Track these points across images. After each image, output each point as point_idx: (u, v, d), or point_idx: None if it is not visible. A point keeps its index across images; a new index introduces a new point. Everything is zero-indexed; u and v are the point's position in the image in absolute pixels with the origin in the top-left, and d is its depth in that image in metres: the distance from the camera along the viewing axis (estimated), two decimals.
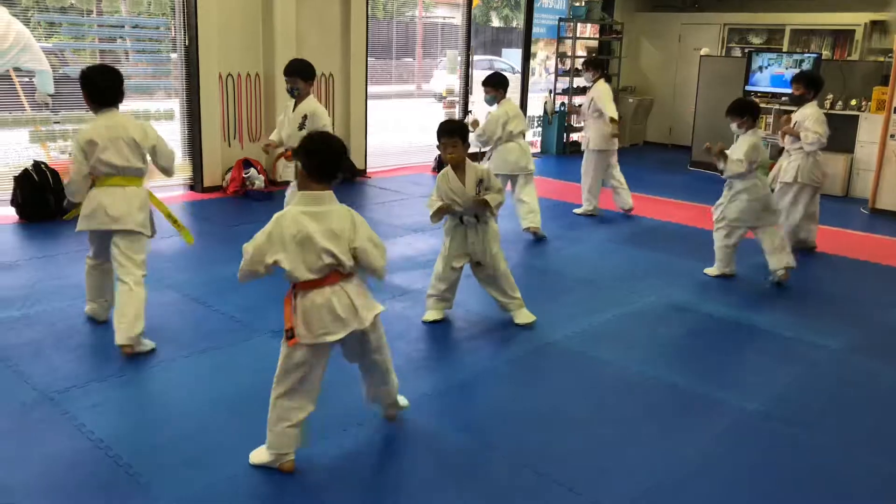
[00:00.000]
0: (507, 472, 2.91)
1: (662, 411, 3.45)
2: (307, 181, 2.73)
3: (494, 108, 6.14)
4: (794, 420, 3.41)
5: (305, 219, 2.66)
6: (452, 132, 3.97)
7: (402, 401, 3.23)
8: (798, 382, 3.81)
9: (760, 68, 9.18)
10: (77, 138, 3.84)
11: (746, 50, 10.40)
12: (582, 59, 7.51)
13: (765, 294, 5.13)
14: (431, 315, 4.36)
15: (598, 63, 7.36)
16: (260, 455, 2.87)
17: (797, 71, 7.16)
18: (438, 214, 4.10)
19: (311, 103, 5.14)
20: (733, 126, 5.29)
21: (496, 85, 6.06)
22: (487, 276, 4.28)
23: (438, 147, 4.08)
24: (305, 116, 5.10)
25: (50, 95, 6.75)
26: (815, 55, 8.72)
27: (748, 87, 9.15)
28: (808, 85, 5.95)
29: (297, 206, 2.70)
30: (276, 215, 2.72)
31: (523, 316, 4.32)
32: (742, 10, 11.20)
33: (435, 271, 4.35)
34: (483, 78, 6.24)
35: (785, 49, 10.29)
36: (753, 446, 3.17)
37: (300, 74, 5.11)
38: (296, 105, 5.16)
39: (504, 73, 6.39)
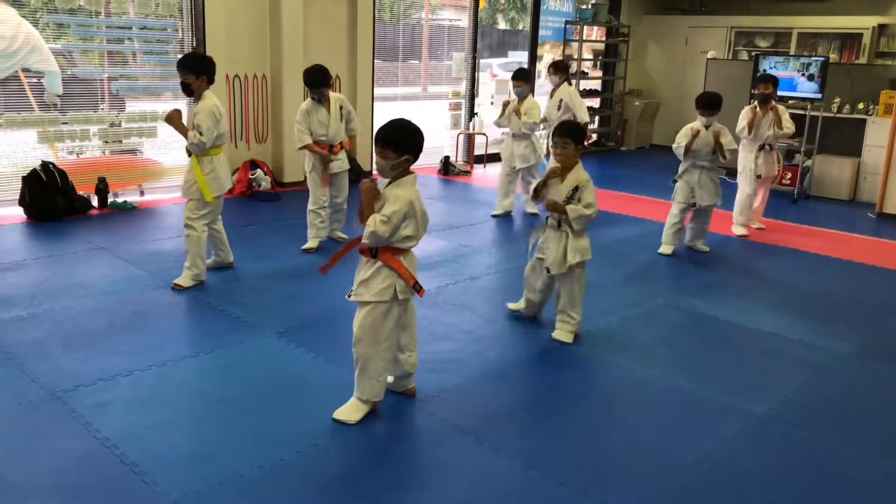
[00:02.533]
0: (515, 474, 2.90)
1: (670, 414, 3.44)
2: (407, 164, 3.09)
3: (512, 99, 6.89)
4: (803, 424, 3.39)
5: (419, 195, 3.11)
6: (564, 133, 4.02)
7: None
8: (806, 386, 3.79)
9: (766, 71, 9.14)
10: (216, 111, 4.63)
11: (753, 53, 10.38)
12: (551, 62, 7.83)
13: (772, 298, 5.11)
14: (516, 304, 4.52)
15: (565, 66, 7.54)
16: (353, 410, 3.20)
17: (806, 74, 7.25)
18: (536, 193, 4.16)
19: (336, 95, 5.66)
20: (710, 119, 5.74)
21: (527, 78, 6.83)
22: (555, 292, 4.22)
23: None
24: (342, 107, 5.66)
25: (58, 96, 6.77)
26: (822, 58, 8.69)
27: (755, 91, 9.11)
28: (775, 84, 6.75)
29: (414, 186, 3.10)
30: (405, 197, 3.01)
31: (564, 335, 4.17)
32: (749, 14, 11.18)
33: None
34: (513, 73, 6.95)
35: (792, 52, 10.27)
36: (762, 450, 3.16)
37: (326, 84, 5.50)
38: (326, 103, 5.57)
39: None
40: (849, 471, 3.04)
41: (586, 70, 11.69)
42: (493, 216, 7.08)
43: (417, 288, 3.15)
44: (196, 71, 4.68)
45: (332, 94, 5.62)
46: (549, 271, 4.15)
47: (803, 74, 8.54)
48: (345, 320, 3.63)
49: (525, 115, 6.72)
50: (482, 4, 10.25)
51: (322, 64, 5.59)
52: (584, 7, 11.44)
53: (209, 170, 4.72)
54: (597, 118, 12.05)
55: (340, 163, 5.75)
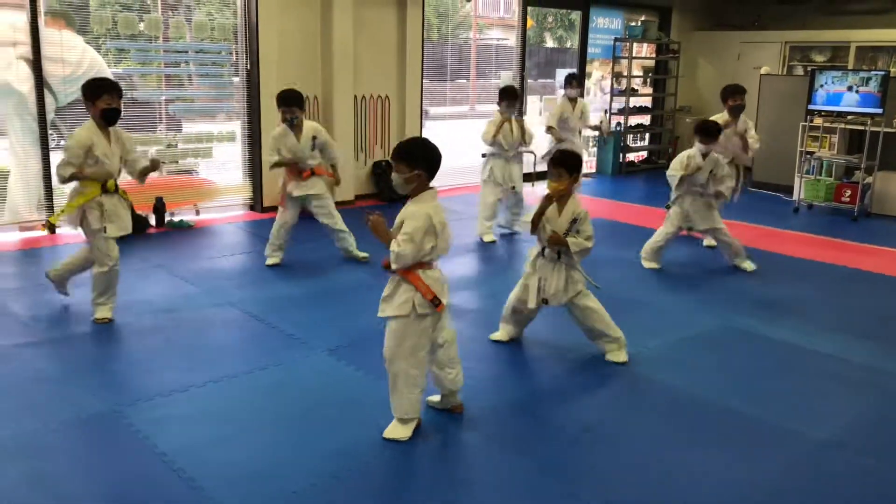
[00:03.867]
0: (563, 497, 2.85)
1: (726, 439, 3.34)
2: (425, 180, 3.16)
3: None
4: (869, 450, 3.26)
5: (440, 209, 3.16)
6: (557, 162, 3.93)
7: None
8: (871, 411, 3.64)
9: (823, 87, 8.94)
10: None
11: (809, 68, 10.14)
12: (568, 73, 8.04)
13: (831, 319, 4.94)
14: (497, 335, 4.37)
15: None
16: (398, 429, 3.20)
17: (866, 89, 7.04)
18: (534, 225, 4.00)
19: (311, 124, 5.74)
20: (709, 147, 5.67)
21: (516, 97, 6.84)
22: (582, 326, 4.16)
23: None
24: (315, 137, 5.66)
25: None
26: (882, 72, 8.44)
27: (811, 106, 8.91)
28: (743, 94, 6.43)
29: (433, 202, 3.15)
30: (422, 212, 3.06)
31: (617, 356, 4.11)
32: (805, 28, 10.94)
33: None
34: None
35: (850, 67, 10.00)
36: (826, 478, 3.04)
37: (298, 104, 5.57)
38: (298, 130, 5.61)
39: None
40: None
41: (636, 87, 11.59)
42: (489, 241, 6.69)
43: (436, 303, 3.14)
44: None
45: (308, 123, 5.68)
46: (546, 302, 4.05)
47: (863, 89, 8.31)
48: None
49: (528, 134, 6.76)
50: (530, 24, 10.28)
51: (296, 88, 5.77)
52: (633, 24, 11.37)
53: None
54: (647, 135, 11.93)
55: (309, 186, 5.72)
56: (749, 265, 5.89)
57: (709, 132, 5.66)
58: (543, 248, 4.03)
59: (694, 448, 3.26)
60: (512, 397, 3.67)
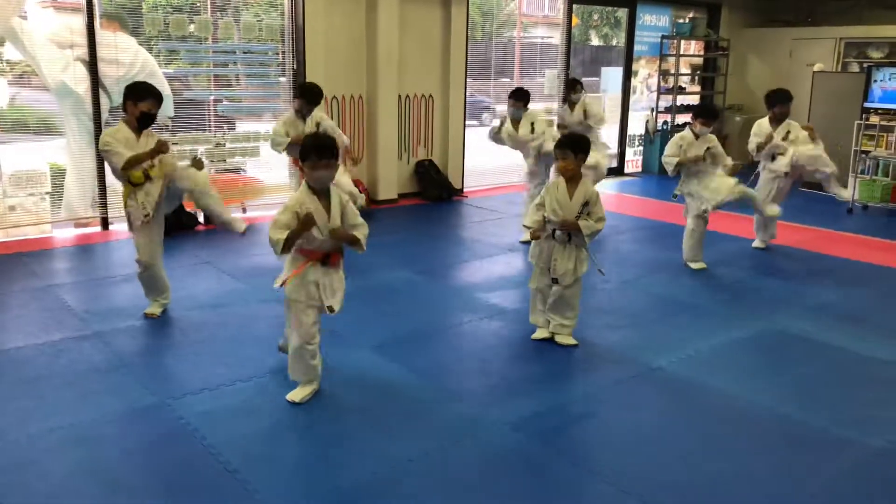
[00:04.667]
0: (611, 500, 2.82)
1: (778, 446, 3.26)
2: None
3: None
4: None
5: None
6: (563, 145, 4.03)
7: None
8: None
9: (880, 83, 8.65)
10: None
11: (865, 65, 9.83)
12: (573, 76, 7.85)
13: (889, 323, 4.78)
14: (539, 333, 4.36)
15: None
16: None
17: None
18: (536, 231, 4.10)
19: (316, 112, 5.91)
20: (707, 129, 5.66)
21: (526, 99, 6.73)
22: (556, 298, 4.20)
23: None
24: (318, 123, 5.88)
25: (170, 118, 7.18)
26: None
27: (867, 104, 8.64)
28: (790, 100, 6.36)
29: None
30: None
31: (566, 339, 4.25)
32: (860, 24, 10.61)
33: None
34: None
35: None
36: (880, 486, 2.94)
37: (313, 101, 5.82)
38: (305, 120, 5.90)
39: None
40: None
41: (684, 85, 11.39)
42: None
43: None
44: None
45: (314, 112, 5.89)
46: (556, 282, 4.14)
47: None
48: (437, 336, 3.65)
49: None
50: (574, 21, 10.18)
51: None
52: (681, 21, 11.17)
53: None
54: None
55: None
56: (760, 244, 6.15)
57: (709, 115, 5.69)
58: (554, 230, 4.07)
59: (745, 454, 3.18)
60: (553, 402, 3.64)
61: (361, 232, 3.42)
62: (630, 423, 3.44)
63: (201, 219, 7.04)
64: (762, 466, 3.08)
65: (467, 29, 8.72)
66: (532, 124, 6.49)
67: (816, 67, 9.99)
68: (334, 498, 2.79)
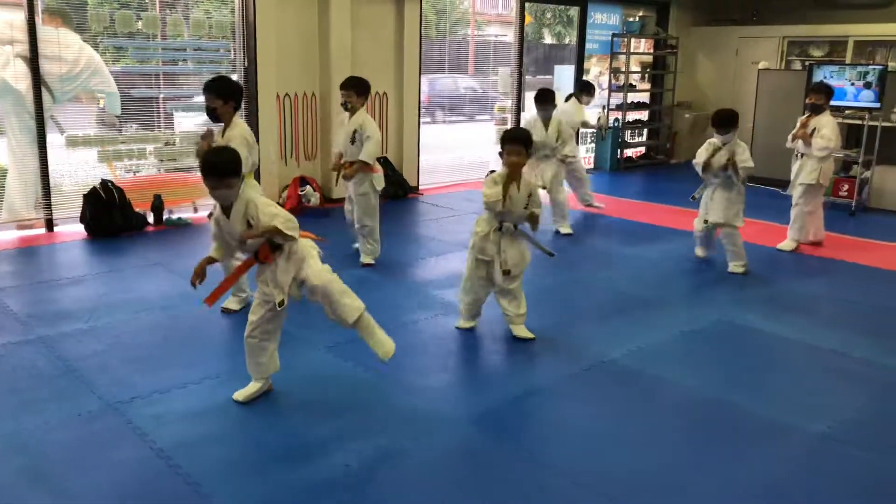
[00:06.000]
0: (566, 493, 2.86)
1: (725, 434, 3.35)
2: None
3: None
4: (866, 444, 3.26)
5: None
6: (516, 139, 4.05)
7: None
8: (870, 406, 3.65)
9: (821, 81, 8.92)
10: (249, 137, 4.44)
11: (807, 63, 10.14)
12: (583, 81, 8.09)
13: (831, 314, 4.95)
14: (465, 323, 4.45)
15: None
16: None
17: (864, 83, 7.04)
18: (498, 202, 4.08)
19: (360, 116, 5.45)
20: (727, 136, 5.54)
21: (552, 100, 6.91)
22: (508, 288, 4.24)
23: (501, 154, 4.12)
24: (356, 131, 5.42)
25: (117, 117, 7.01)
26: (880, 67, 8.43)
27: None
28: (827, 94, 6.40)
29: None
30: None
31: (524, 331, 4.30)
32: (803, 23, 10.94)
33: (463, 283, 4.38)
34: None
35: (848, 61, 9.99)
36: (824, 472, 3.05)
37: (355, 88, 5.44)
38: (349, 119, 5.47)
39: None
40: None
41: (634, 83, 11.58)
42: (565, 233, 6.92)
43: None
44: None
45: (358, 116, 5.45)
46: (508, 273, 4.17)
47: (860, 84, 8.31)
48: (392, 333, 3.64)
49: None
50: (528, 20, 10.26)
51: (363, 77, 5.65)
52: (631, 20, 11.36)
53: None
54: (645, 131, 11.93)
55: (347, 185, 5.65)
56: (738, 268, 5.71)
57: (720, 122, 5.56)
58: (501, 224, 4.13)
59: (692, 442, 3.26)
60: (508, 397, 3.67)
61: (278, 222, 3.28)
62: (583, 415, 3.49)
63: (151, 220, 6.90)
64: (711, 454, 3.16)
65: (421, 26, 8.71)
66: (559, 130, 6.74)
67: (761, 65, 10.26)
68: (289, 498, 2.77)
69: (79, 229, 6.55)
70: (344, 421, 3.35)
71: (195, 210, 7.41)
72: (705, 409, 3.58)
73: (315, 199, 7.73)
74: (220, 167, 3.24)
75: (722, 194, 5.67)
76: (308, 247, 3.47)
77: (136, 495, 2.78)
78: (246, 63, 7.45)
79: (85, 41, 6.73)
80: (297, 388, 3.68)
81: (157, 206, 6.91)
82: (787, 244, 6.51)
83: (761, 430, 3.36)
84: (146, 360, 3.96)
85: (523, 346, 4.25)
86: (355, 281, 5.32)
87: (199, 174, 7.41)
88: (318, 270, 3.40)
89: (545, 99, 6.79)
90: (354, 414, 3.41)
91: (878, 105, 8.19)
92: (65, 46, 6.55)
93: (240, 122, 4.51)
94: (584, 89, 8.24)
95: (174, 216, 7.07)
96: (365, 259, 5.72)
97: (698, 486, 2.92)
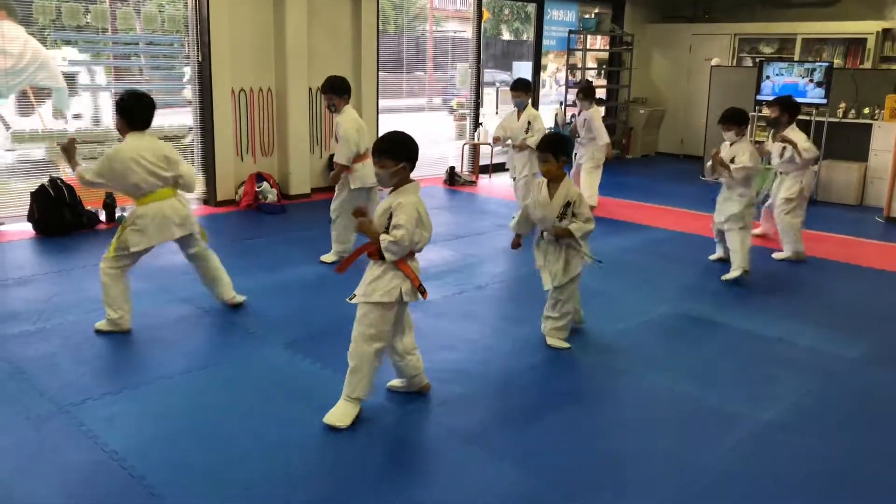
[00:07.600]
0: (520, 482, 2.89)
1: (677, 422, 3.42)
2: (408, 173, 3.23)
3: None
4: (811, 431, 3.37)
5: (422, 201, 3.26)
6: (542, 147, 4.01)
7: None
8: (814, 393, 3.77)
9: (771, 78, 9.16)
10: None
11: (758, 59, 10.39)
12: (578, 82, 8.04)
13: (779, 304, 5.09)
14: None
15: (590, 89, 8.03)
16: (343, 414, 3.24)
17: (811, 80, 7.19)
18: (520, 225, 4.23)
19: (340, 116, 5.55)
20: (729, 134, 5.52)
21: (527, 89, 6.87)
22: (551, 300, 4.20)
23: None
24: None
25: (65, 112, 6.84)
26: (826, 64, 8.69)
27: (759, 97, 9.13)
28: (784, 108, 6.15)
29: (417, 193, 3.22)
30: (410, 203, 3.14)
31: (557, 342, 4.19)
32: (753, 20, 11.20)
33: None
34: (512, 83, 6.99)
35: (797, 58, 10.26)
36: (770, 458, 3.14)
37: (333, 90, 5.49)
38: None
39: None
40: (860, 479, 3.02)
41: (591, 79, 11.71)
42: None
43: (422, 290, 3.24)
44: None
45: (342, 114, 5.51)
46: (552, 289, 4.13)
47: (808, 80, 8.54)
48: (351, 331, 3.63)
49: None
50: (486, 16, 10.30)
51: (343, 76, 5.66)
52: (587, 17, 11.48)
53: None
54: None
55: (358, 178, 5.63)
56: (730, 275, 5.48)
57: (732, 119, 5.48)
58: (543, 232, 4.12)
59: (642, 431, 3.33)
60: (469, 387, 3.70)
61: (390, 234, 3.17)
62: (538, 405, 3.53)
63: (103, 217, 6.75)
64: (662, 441, 3.23)
65: (378, 21, 8.67)
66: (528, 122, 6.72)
67: (714, 62, 10.47)
68: (245, 498, 2.74)
69: (27, 228, 6.38)
70: (300, 419, 3.32)
71: None
72: (657, 398, 3.65)
73: (272, 195, 7.65)
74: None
75: (723, 195, 5.68)
76: (391, 292, 3.20)
77: (88, 500, 2.73)
78: (200, 58, 7.33)
79: (31, 34, 6.55)
80: (254, 386, 3.65)
81: (109, 203, 6.76)
82: (782, 255, 6.24)
83: (713, 419, 3.44)
84: (98, 361, 3.88)
85: (483, 339, 4.28)
86: (314, 278, 5.30)
87: None
88: (363, 321, 3.24)
89: (517, 87, 6.82)
90: (311, 412, 3.39)
91: (825, 101, 8.43)
92: (8, 40, 6.36)
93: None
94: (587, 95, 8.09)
95: (127, 214, 6.91)
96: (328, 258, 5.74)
97: (651, 473, 2.98)
